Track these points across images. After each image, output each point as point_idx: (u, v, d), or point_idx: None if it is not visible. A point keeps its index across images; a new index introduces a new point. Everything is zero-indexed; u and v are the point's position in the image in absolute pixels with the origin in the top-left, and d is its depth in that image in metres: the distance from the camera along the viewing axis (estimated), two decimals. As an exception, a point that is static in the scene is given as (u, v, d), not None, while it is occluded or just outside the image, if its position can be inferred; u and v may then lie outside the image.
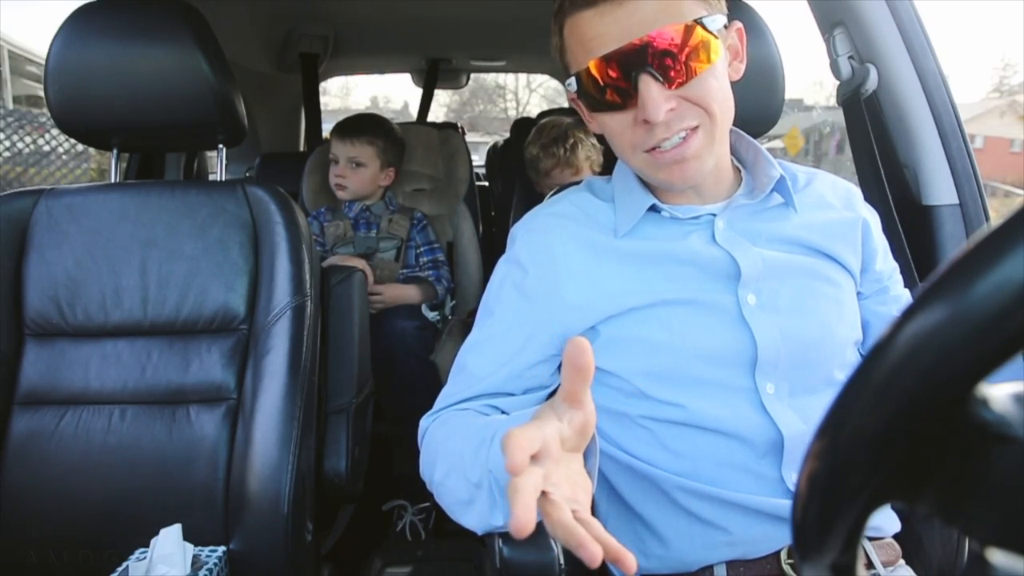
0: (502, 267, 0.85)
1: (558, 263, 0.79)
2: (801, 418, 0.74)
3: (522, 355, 0.79)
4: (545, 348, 0.79)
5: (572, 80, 0.74)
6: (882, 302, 0.82)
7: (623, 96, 0.70)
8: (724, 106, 0.73)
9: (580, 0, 0.71)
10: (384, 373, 1.64)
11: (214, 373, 1.01)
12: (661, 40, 0.67)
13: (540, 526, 0.74)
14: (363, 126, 1.86)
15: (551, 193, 0.96)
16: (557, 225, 0.82)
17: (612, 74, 0.69)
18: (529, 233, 0.83)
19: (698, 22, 0.68)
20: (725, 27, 0.73)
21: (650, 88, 0.68)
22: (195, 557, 0.90)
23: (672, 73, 0.68)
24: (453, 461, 0.69)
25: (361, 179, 1.85)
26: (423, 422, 0.81)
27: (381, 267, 1.83)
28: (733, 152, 0.86)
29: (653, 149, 0.72)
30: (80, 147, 4.53)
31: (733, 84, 0.77)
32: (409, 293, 1.82)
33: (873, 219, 0.85)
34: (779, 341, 0.74)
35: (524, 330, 0.79)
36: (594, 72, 0.70)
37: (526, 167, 1.90)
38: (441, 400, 0.82)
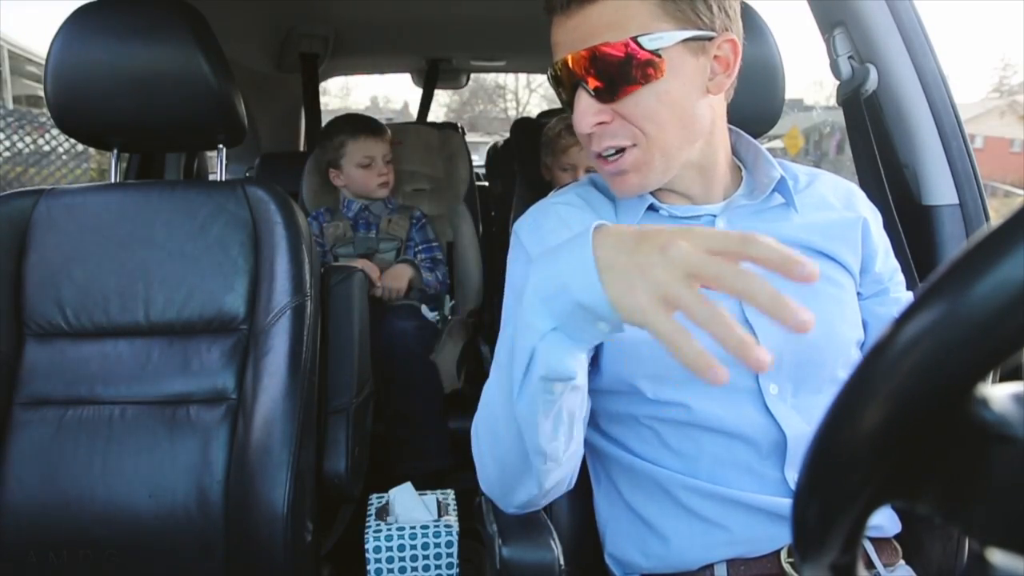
0: (516, 270, 0.83)
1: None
2: (804, 418, 0.74)
3: None
4: None
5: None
6: (882, 303, 0.82)
7: (569, 103, 0.74)
8: (669, 128, 0.72)
9: (546, 7, 0.74)
10: (384, 373, 1.64)
11: (214, 373, 1.01)
12: (593, 57, 0.69)
13: (539, 527, 0.74)
14: (378, 123, 1.90)
15: (554, 191, 0.96)
16: (564, 212, 0.82)
17: (561, 81, 0.74)
18: (537, 219, 0.83)
19: (635, 40, 0.68)
20: (708, 40, 0.71)
21: (580, 101, 0.72)
22: (438, 502, 1.14)
23: (602, 91, 0.70)
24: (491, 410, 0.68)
25: (393, 172, 1.90)
26: (472, 430, 0.76)
27: (381, 267, 1.83)
28: (733, 152, 0.86)
29: (600, 157, 0.75)
30: (80, 147, 4.53)
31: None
32: (403, 273, 1.80)
33: (874, 218, 0.85)
34: (782, 342, 0.74)
35: None
36: (554, 75, 0.75)
37: (542, 147, 1.87)
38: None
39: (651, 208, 0.79)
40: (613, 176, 0.76)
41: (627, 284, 0.50)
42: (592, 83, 0.70)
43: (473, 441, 0.75)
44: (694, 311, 0.46)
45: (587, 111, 0.71)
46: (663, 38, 0.69)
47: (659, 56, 0.69)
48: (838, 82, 1.16)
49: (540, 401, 0.60)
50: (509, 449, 0.67)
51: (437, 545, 1.09)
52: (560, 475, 0.70)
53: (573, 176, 1.77)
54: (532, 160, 1.91)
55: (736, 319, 0.73)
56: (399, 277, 1.79)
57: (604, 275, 0.51)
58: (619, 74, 0.69)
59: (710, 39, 0.72)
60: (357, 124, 1.87)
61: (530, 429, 0.63)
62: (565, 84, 0.73)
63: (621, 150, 0.73)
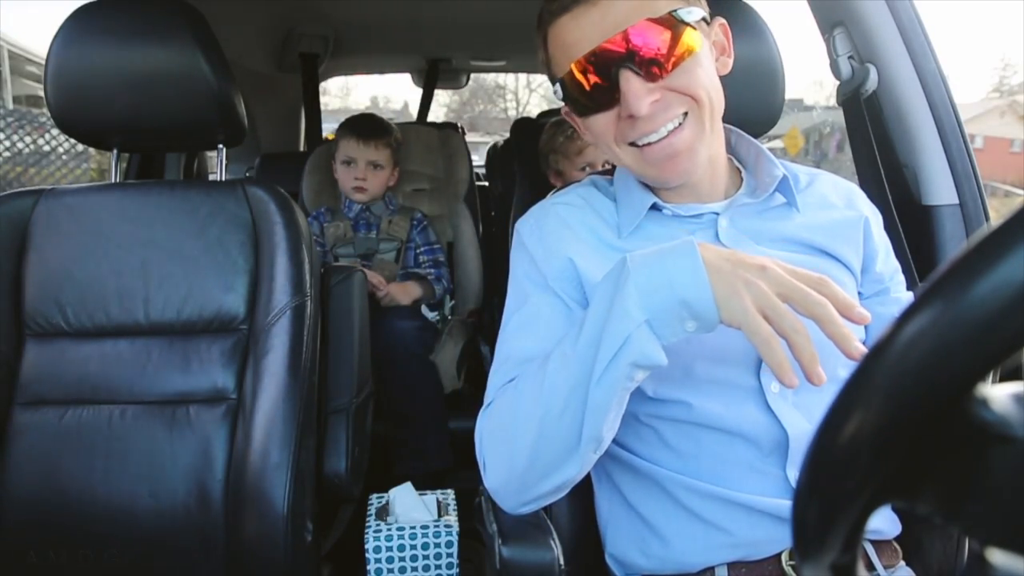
0: (518, 267, 0.83)
1: (567, 241, 0.79)
2: (806, 417, 0.74)
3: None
4: None
5: (558, 86, 0.75)
6: (882, 303, 0.82)
7: (606, 95, 0.71)
8: (713, 94, 0.73)
9: (556, 7, 0.72)
10: (384, 373, 1.64)
11: (214, 373, 1.01)
12: (638, 35, 0.68)
13: (539, 527, 0.74)
14: (378, 127, 1.88)
15: (554, 191, 0.96)
16: (565, 213, 0.82)
17: (593, 74, 0.71)
18: (539, 220, 0.83)
19: (672, 14, 0.69)
20: (706, 22, 0.74)
21: (631, 83, 0.69)
22: (438, 502, 1.16)
23: (653, 67, 0.69)
24: (538, 394, 0.67)
25: (380, 181, 1.87)
26: (479, 425, 0.76)
27: (381, 268, 1.83)
28: (733, 152, 0.86)
29: (643, 145, 0.73)
30: (80, 147, 4.53)
31: (728, 81, 0.77)
32: (412, 291, 1.82)
33: (875, 218, 0.85)
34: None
35: (561, 311, 0.77)
36: (576, 75, 0.72)
37: (550, 154, 1.84)
38: (491, 392, 0.78)
39: (654, 207, 0.79)
40: (664, 161, 0.73)
41: (732, 289, 0.58)
42: (640, 63, 0.69)
43: (489, 434, 0.73)
44: (785, 322, 0.56)
45: (641, 92, 0.69)
46: (692, 12, 0.70)
47: (695, 28, 0.70)
48: (838, 82, 1.16)
49: (619, 388, 0.63)
50: (556, 437, 0.66)
51: (437, 545, 1.09)
52: (590, 466, 0.70)
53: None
54: (532, 160, 1.91)
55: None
56: (407, 293, 1.80)
57: (712, 277, 0.58)
58: (667, 48, 0.69)
59: (709, 23, 0.75)
60: (353, 124, 1.88)
61: (598, 415, 0.64)
62: (588, 81, 0.71)
63: (675, 127, 0.72)
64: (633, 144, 0.74)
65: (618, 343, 0.61)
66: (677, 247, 0.61)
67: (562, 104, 0.80)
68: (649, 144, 0.73)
